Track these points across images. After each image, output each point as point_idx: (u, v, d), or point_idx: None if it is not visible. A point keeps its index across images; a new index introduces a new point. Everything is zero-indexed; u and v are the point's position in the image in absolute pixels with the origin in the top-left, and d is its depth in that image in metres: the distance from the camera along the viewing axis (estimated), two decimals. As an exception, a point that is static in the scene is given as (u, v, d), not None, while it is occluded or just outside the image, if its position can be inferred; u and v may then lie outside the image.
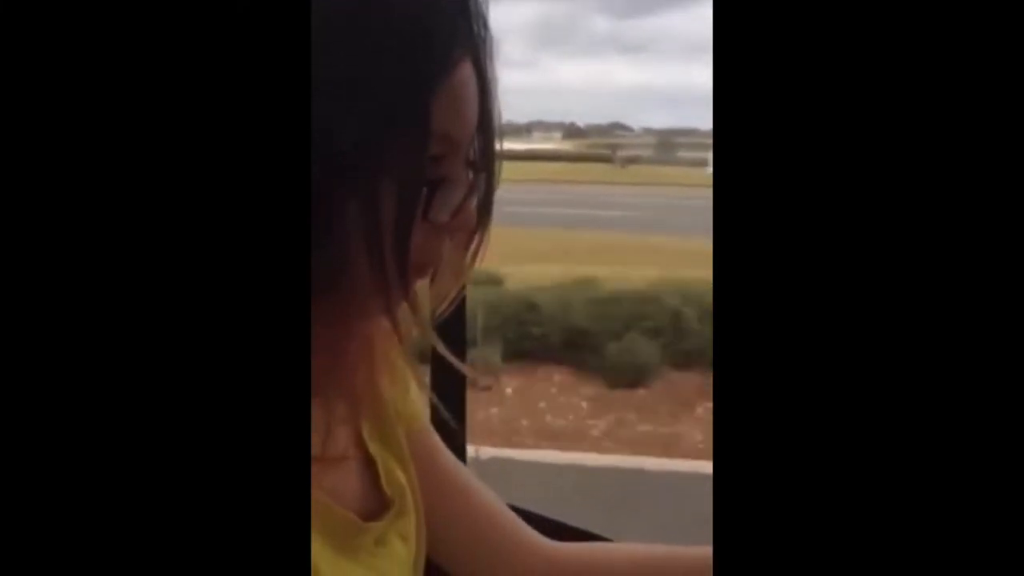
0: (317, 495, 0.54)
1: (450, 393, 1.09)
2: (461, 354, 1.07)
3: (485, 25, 0.49)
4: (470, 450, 1.15)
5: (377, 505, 0.61)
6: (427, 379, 1.10)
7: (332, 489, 0.57)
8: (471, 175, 0.52)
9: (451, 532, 0.67)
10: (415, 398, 0.68)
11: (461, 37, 0.48)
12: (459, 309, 1.03)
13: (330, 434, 0.58)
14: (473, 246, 0.54)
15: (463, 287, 0.57)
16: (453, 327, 1.03)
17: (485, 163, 0.53)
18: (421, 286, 0.53)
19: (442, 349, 0.55)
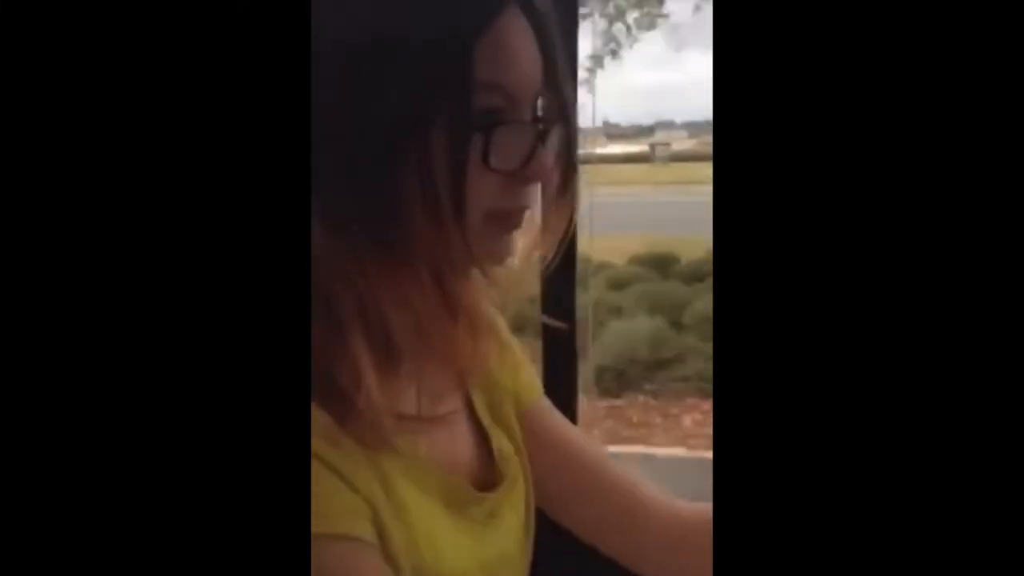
0: (428, 463, 0.55)
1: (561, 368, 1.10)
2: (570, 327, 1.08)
3: None
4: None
5: (490, 476, 0.61)
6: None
7: (444, 457, 0.58)
8: (540, 126, 0.51)
9: (583, 504, 0.67)
10: (529, 375, 0.68)
11: None
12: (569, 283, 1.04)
13: (435, 400, 0.59)
14: (564, 198, 0.54)
15: (565, 239, 0.57)
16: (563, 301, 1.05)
17: (556, 116, 0.52)
18: (518, 246, 0.54)
19: (539, 310, 0.56)
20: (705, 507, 0.66)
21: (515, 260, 0.55)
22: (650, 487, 0.67)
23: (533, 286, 0.62)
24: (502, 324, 0.66)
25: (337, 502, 0.47)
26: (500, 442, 0.63)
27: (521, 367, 0.68)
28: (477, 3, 0.47)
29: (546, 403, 0.69)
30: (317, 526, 0.44)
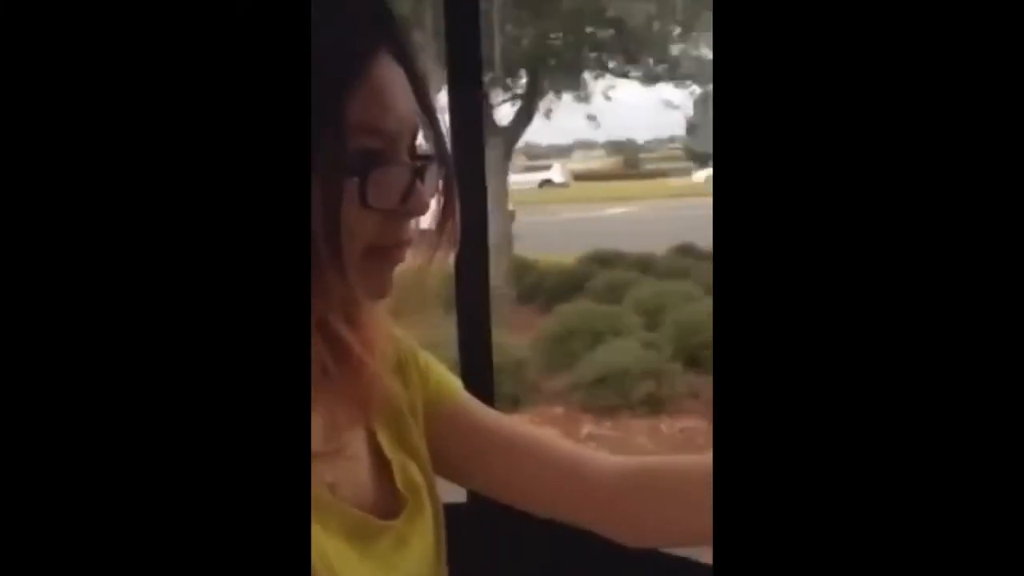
0: (332, 499, 0.56)
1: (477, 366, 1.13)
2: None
3: (401, 22, 0.53)
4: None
5: (395, 505, 0.62)
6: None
7: (347, 489, 0.59)
8: (417, 163, 0.54)
9: (522, 476, 0.68)
10: (439, 379, 0.69)
11: (373, 34, 0.51)
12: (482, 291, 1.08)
13: (337, 435, 0.60)
14: (445, 228, 0.57)
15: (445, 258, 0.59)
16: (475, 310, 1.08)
17: (435, 153, 0.55)
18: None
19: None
20: (641, 460, 0.68)
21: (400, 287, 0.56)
22: (582, 448, 0.69)
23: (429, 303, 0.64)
24: (406, 340, 0.68)
25: None
26: (405, 469, 0.64)
27: (428, 375, 0.69)
28: (348, 52, 0.50)
29: (466, 398, 0.70)
30: None
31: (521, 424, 0.70)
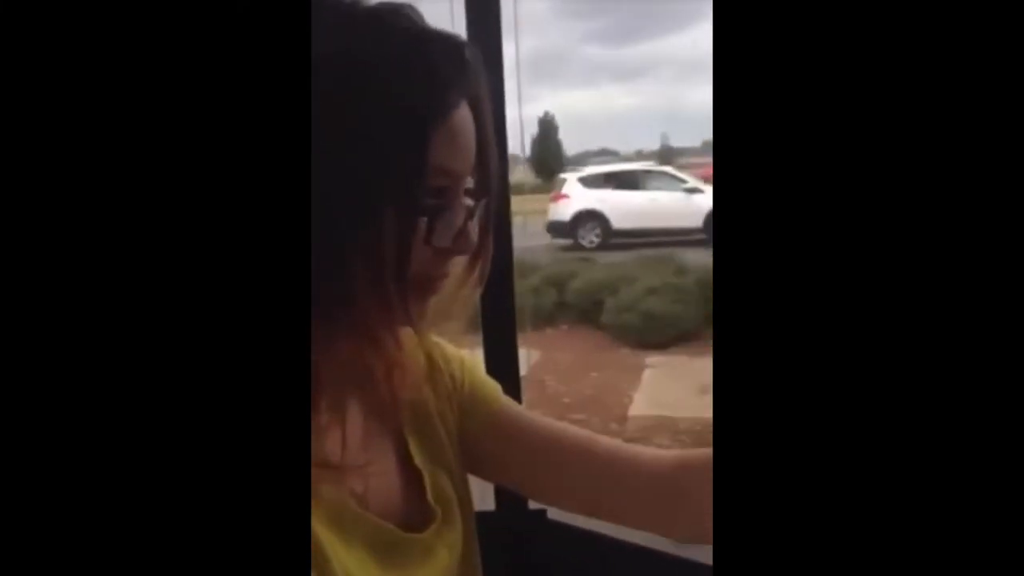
0: (358, 510, 0.57)
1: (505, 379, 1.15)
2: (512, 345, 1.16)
3: (481, 71, 0.55)
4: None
5: (424, 516, 0.63)
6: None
7: (376, 501, 0.60)
8: (471, 203, 0.56)
9: (566, 475, 0.68)
10: (477, 381, 0.71)
11: (458, 82, 0.53)
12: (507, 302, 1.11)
13: (367, 446, 0.61)
14: (479, 264, 0.59)
15: (479, 287, 0.61)
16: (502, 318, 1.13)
17: (484, 191, 0.57)
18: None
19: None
20: (683, 453, 0.67)
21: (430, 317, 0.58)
22: (624, 444, 0.69)
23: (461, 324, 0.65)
24: (437, 348, 0.69)
25: None
26: (437, 481, 0.65)
27: (464, 379, 0.70)
28: (437, 98, 0.52)
29: (505, 401, 0.71)
30: None
31: (561, 425, 0.70)
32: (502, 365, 1.11)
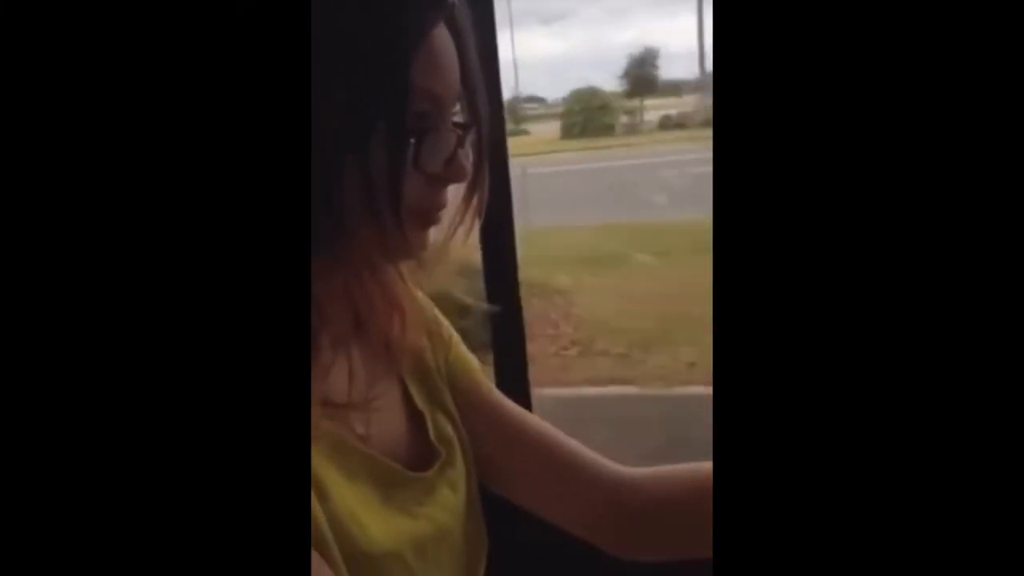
0: (362, 447, 0.58)
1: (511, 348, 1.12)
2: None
3: None
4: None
5: (426, 457, 0.64)
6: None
7: (380, 440, 0.60)
8: (459, 131, 0.56)
9: (523, 468, 0.69)
10: (460, 353, 0.71)
11: (435, 3, 0.53)
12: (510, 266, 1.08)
13: (372, 383, 0.62)
14: (475, 194, 0.59)
15: (472, 229, 0.61)
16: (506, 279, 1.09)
17: (473, 119, 0.57)
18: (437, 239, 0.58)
19: (458, 296, 0.59)
20: (643, 471, 0.68)
21: (430, 252, 0.58)
22: (591, 454, 0.69)
23: (451, 272, 0.65)
24: (431, 308, 0.70)
25: None
26: (437, 423, 0.66)
27: (450, 347, 0.71)
28: (414, 18, 0.52)
29: (483, 379, 0.72)
30: None
31: (535, 419, 0.71)
32: (512, 377, 1.08)
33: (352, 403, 0.58)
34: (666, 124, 10.43)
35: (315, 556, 0.49)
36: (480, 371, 0.72)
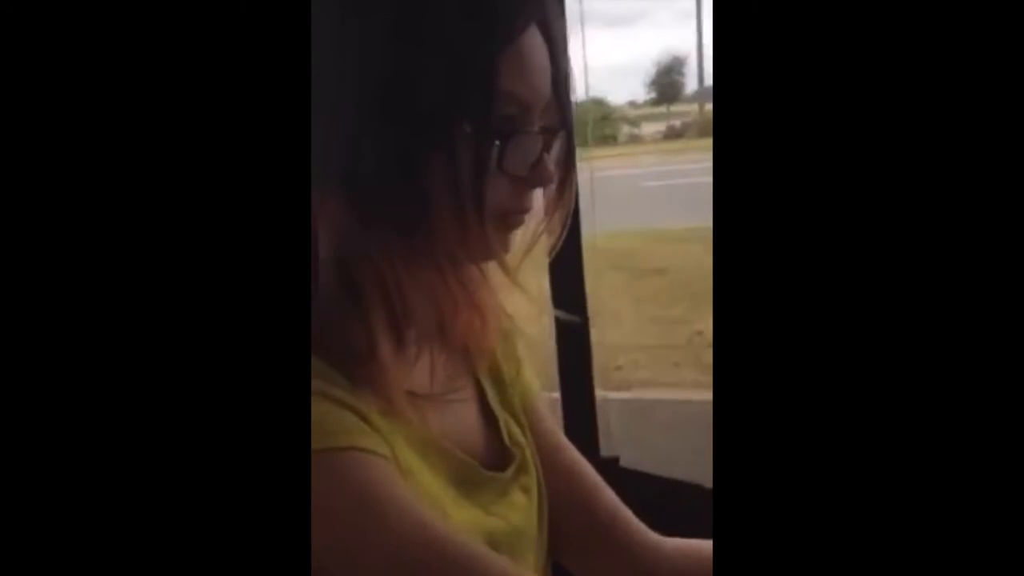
0: (440, 440, 0.58)
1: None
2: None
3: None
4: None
5: (501, 458, 0.64)
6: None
7: (456, 436, 0.60)
8: (547, 135, 0.56)
9: (562, 518, 0.68)
10: (529, 376, 0.71)
11: (527, 5, 0.53)
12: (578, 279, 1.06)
13: (448, 378, 0.62)
14: (561, 199, 0.59)
15: (562, 235, 0.61)
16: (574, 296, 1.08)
17: (561, 124, 0.57)
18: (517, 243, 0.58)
19: (531, 297, 0.60)
20: (687, 543, 0.68)
21: (514, 256, 0.58)
22: (629, 513, 0.69)
23: (537, 281, 0.65)
24: (509, 319, 0.68)
25: (351, 424, 0.50)
26: (511, 428, 0.66)
27: (523, 365, 0.71)
28: (505, 20, 0.52)
29: (541, 404, 0.72)
30: (322, 443, 0.47)
31: (582, 461, 0.71)
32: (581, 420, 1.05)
33: (434, 396, 0.59)
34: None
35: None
36: (539, 395, 0.72)
